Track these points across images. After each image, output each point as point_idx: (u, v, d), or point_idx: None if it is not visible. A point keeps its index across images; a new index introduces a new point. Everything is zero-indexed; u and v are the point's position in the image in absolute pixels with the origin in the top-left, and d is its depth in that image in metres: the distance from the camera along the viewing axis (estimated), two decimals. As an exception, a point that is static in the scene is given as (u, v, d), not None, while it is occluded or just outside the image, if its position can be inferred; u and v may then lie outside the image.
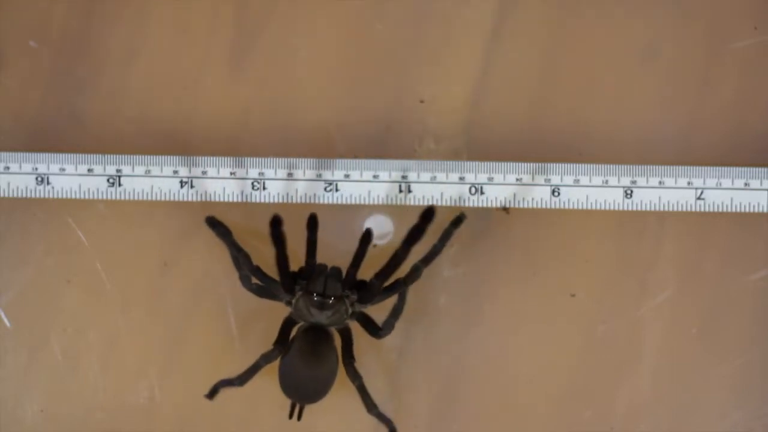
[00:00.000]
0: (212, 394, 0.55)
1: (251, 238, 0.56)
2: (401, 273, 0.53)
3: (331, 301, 0.53)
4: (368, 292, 0.53)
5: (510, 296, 0.56)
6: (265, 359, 0.53)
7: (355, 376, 0.53)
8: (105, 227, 0.57)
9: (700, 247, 0.57)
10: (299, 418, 0.54)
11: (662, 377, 0.56)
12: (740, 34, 0.57)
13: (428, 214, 0.50)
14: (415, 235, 0.50)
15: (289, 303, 0.54)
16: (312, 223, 0.51)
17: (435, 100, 0.57)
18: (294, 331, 0.54)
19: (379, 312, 0.54)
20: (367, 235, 0.51)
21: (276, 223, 0.49)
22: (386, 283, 0.53)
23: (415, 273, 0.53)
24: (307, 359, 0.53)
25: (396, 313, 0.53)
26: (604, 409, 0.56)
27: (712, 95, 0.57)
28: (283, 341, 0.54)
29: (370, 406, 0.54)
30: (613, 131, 0.57)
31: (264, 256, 0.56)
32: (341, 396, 0.56)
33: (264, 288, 0.54)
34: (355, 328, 0.54)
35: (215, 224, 0.54)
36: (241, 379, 0.54)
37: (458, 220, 0.54)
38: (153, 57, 0.57)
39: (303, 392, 0.54)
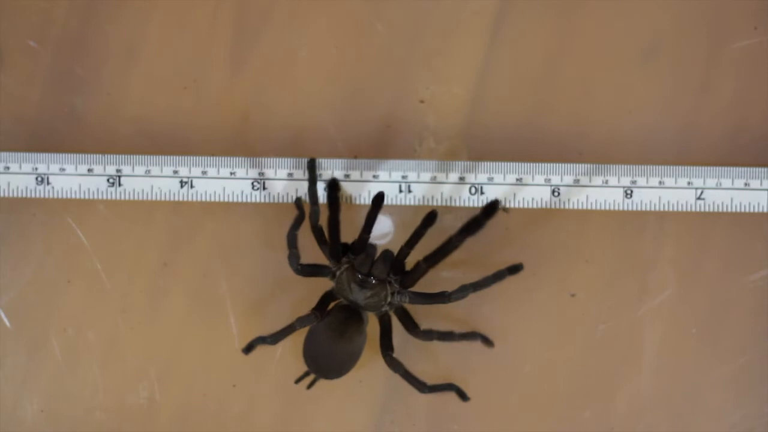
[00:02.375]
0: (249, 349, 0.55)
1: (252, 238, 0.56)
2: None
3: (373, 282, 0.53)
4: (413, 275, 0.53)
5: (510, 296, 0.56)
6: (300, 322, 0.53)
7: (396, 366, 0.53)
8: (105, 227, 0.57)
9: (700, 247, 0.57)
10: (309, 386, 0.55)
11: (662, 377, 0.56)
12: (740, 34, 0.57)
13: (491, 209, 0.48)
14: (473, 227, 0.49)
15: (333, 276, 0.54)
16: (378, 200, 0.51)
17: (435, 100, 0.57)
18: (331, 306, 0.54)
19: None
20: (430, 217, 0.50)
21: (333, 187, 0.51)
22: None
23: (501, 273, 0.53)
24: (333, 334, 0.53)
25: (477, 286, 0.53)
26: (604, 409, 0.56)
27: (712, 95, 0.57)
28: (320, 308, 0.54)
29: (421, 387, 0.54)
30: (613, 131, 0.57)
31: (265, 258, 0.56)
32: (341, 396, 0.56)
33: (309, 268, 0.54)
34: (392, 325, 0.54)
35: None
36: (275, 338, 0.54)
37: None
38: (153, 57, 0.57)
39: (319, 364, 0.54)
